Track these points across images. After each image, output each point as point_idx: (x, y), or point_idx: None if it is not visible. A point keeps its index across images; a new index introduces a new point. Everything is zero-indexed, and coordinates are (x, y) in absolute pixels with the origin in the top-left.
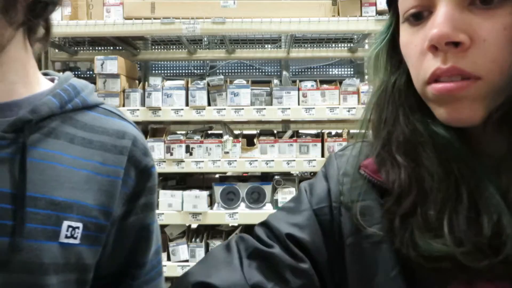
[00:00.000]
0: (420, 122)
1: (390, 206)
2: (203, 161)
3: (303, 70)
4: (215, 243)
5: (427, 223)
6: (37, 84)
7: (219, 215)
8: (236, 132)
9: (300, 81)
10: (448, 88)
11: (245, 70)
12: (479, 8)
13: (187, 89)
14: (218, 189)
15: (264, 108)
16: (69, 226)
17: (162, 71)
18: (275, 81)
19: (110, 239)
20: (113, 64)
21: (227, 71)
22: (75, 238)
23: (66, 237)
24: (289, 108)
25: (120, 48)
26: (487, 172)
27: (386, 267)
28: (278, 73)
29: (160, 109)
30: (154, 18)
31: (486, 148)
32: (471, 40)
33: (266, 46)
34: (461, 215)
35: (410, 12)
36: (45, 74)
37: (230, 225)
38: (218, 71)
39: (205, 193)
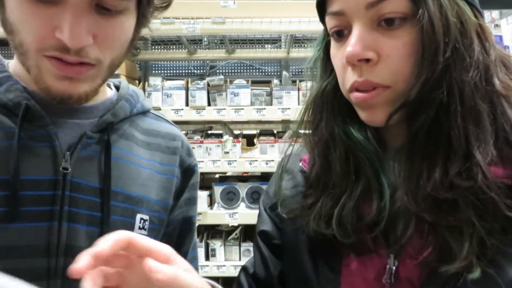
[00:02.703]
0: (338, 126)
1: (305, 194)
2: (203, 161)
3: (303, 70)
4: (215, 243)
5: (322, 213)
6: (105, 90)
7: (219, 215)
8: (236, 132)
9: (300, 81)
10: (363, 97)
11: (245, 70)
12: (384, 29)
13: (187, 89)
14: (218, 189)
15: (264, 108)
16: (141, 219)
17: (162, 71)
18: (275, 81)
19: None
20: None
21: (227, 71)
22: (145, 229)
23: (139, 228)
24: (289, 108)
25: None
26: (386, 164)
27: (300, 235)
28: (278, 73)
29: (160, 109)
30: (154, 18)
31: (394, 142)
32: (379, 56)
33: (266, 46)
34: (349, 205)
35: (333, 30)
36: None
37: (230, 225)
38: (218, 71)
39: (205, 193)
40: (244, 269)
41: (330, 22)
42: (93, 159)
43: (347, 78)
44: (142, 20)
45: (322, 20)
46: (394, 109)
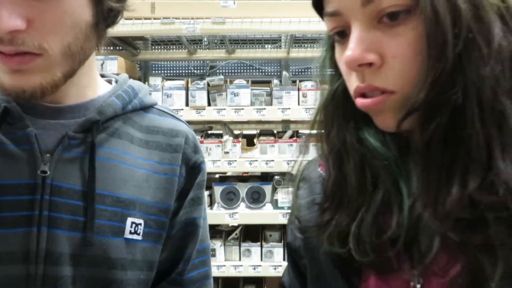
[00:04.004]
0: (351, 133)
1: (321, 208)
2: None
3: (303, 70)
4: (215, 243)
5: (336, 232)
6: (99, 87)
7: (219, 215)
8: (236, 132)
9: (300, 81)
10: (366, 104)
11: (245, 70)
12: (387, 26)
13: (187, 89)
14: (218, 189)
15: (264, 108)
16: (132, 223)
17: (162, 71)
18: (275, 81)
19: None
20: (113, 64)
21: (227, 71)
22: (138, 234)
23: (130, 233)
24: (289, 108)
25: (120, 48)
26: (409, 169)
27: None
28: (278, 73)
29: None
30: (154, 18)
31: (417, 143)
32: (382, 58)
33: (266, 46)
34: (368, 221)
35: (332, 32)
36: (101, 76)
37: (230, 225)
38: (218, 71)
39: (205, 193)
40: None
41: (328, 23)
42: (76, 161)
43: (351, 82)
44: None
45: (323, 18)
46: (402, 115)
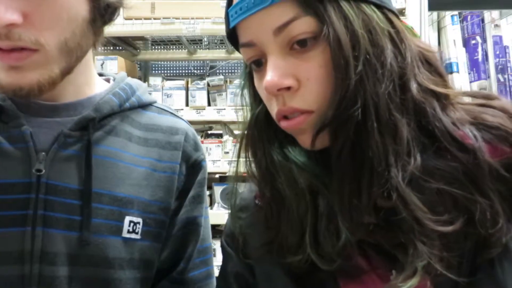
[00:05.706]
0: (276, 153)
1: (266, 228)
2: None
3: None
4: (215, 243)
5: (285, 244)
6: (96, 85)
7: (219, 215)
8: (236, 132)
9: None
10: (290, 125)
11: None
12: (298, 52)
13: (187, 89)
14: (218, 189)
15: None
16: (130, 221)
17: (162, 71)
18: None
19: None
20: (113, 64)
21: (227, 71)
22: (137, 233)
23: (128, 232)
24: None
25: (120, 48)
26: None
27: (280, 276)
28: None
29: None
30: (154, 18)
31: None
32: (299, 81)
33: None
34: (322, 228)
35: (249, 61)
36: (100, 75)
37: None
38: (218, 71)
39: (206, 192)
40: None
41: (244, 53)
42: (73, 159)
43: (272, 108)
44: None
45: (239, 50)
46: (314, 133)
